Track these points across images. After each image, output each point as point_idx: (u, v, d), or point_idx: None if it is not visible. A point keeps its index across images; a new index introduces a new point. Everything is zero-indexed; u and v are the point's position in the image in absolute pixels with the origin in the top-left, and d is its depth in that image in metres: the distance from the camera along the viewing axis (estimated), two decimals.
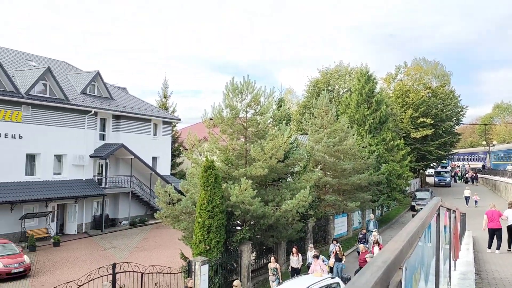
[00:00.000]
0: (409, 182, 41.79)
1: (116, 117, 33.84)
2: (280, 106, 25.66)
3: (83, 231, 30.31)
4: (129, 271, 14.05)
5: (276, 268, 16.46)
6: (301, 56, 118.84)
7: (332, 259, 18.16)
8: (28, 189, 26.46)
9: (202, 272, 15.37)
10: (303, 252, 20.43)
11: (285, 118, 22.42)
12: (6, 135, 25.83)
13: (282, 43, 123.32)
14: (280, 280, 16.04)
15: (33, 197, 26.33)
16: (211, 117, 19.14)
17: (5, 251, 20.13)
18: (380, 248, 17.94)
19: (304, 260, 19.17)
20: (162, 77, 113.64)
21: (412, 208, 37.88)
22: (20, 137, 26.64)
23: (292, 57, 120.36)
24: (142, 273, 14.40)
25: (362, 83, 38.77)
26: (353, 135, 27.84)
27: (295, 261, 17.95)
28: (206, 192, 16.30)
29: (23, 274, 19.61)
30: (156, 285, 14.87)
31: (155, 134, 37.81)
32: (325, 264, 16.66)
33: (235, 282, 13.66)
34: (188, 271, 15.55)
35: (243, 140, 19.29)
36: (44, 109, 28.10)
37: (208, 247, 16.17)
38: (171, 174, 41.12)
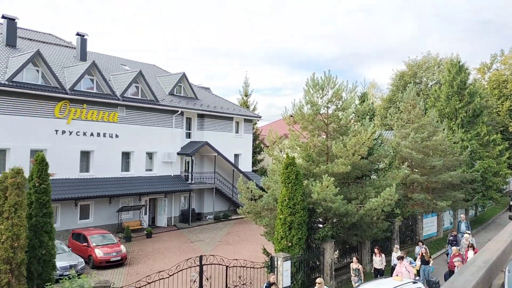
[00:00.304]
0: (507, 180, 38.30)
1: (201, 116, 35.29)
2: (363, 101, 24.88)
3: (172, 224, 32.10)
4: (215, 264, 14.57)
5: (358, 269, 16.01)
6: (385, 48, 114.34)
7: (418, 262, 17.24)
8: (124, 184, 28.64)
9: (284, 268, 15.47)
10: (388, 252, 19.66)
11: (368, 113, 21.72)
12: (104, 135, 28.18)
13: (363, 36, 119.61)
14: (362, 281, 15.59)
15: (128, 192, 28.45)
16: (291, 114, 19.14)
17: (105, 241, 21.98)
18: (475, 253, 16.65)
19: (389, 261, 18.44)
20: (243, 76, 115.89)
21: (510, 208, 34.65)
22: (117, 136, 28.89)
23: (375, 49, 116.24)
24: (227, 266, 14.86)
25: (453, 74, 36.26)
26: (443, 129, 26.16)
27: (378, 261, 17.32)
28: (287, 188, 16.35)
29: (120, 263, 21.24)
30: (240, 278, 15.26)
31: (237, 131, 38.79)
32: (412, 266, 15.86)
33: (318, 280, 13.53)
34: (271, 267, 15.74)
35: (324, 136, 19.02)
36: (136, 110, 30.19)
37: (290, 244, 16.22)
38: (253, 171, 41.90)
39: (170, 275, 13.43)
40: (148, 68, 38.09)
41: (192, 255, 19.94)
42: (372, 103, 37.13)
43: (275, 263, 15.58)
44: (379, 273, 17.09)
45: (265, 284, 13.72)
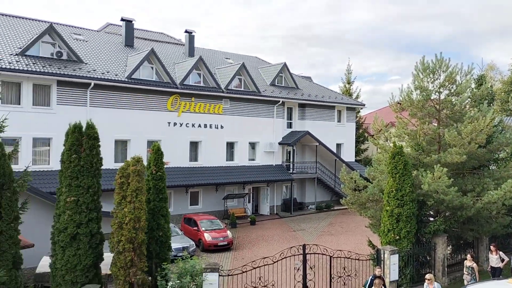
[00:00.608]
0: None
1: (302, 106, 35.26)
2: (481, 85, 22.58)
3: (275, 212, 32.75)
4: (318, 253, 14.52)
5: (472, 267, 14.68)
6: (506, 25, 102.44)
7: None
8: (229, 173, 29.93)
9: (392, 261, 14.87)
10: (510, 250, 17.77)
11: (486, 98, 19.67)
12: (210, 126, 29.67)
13: (479, 12, 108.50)
14: (477, 280, 14.29)
15: (233, 180, 29.67)
16: (398, 100, 18.18)
17: (213, 226, 23.22)
18: None
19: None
20: (346, 63, 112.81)
21: None
22: (222, 127, 30.23)
23: (494, 27, 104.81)
24: (330, 257, 14.72)
25: None
26: None
27: (495, 260, 15.71)
28: (394, 179, 15.63)
29: (226, 247, 22.30)
30: (344, 269, 15.02)
31: (339, 120, 38.05)
32: None
33: (428, 276, 12.74)
34: (377, 259, 15.24)
35: (436, 124, 17.74)
36: (239, 101, 31.21)
37: (397, 237, 15.54)
38: (356, 160, 40.83)
39: (274, 262, 13.71)
40: (250, 60, 39.06)
41: (295, 244, 20.15)
42: (491, 86, 33.63)
43: (382, 256, 15.05)
44: (496, 272, 15.53)
45: (371, 277, 13.32)
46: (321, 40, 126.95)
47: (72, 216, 11.98)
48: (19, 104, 22.26)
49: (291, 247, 14.74)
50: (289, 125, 35.08)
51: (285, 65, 35.54)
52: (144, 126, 26.33)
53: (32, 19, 28.52)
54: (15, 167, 12.24)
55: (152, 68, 27.31)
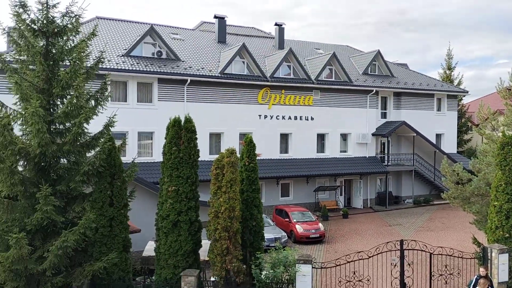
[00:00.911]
0: None
1: (397, 94, 33.63)
2: None
3: (368, 206, 31.80)
4: (417, 250, 13.80)
5: None
6: None
7: None
8: (319, 165, 29.68)
9: (501, 261, 13.60)
10: None
11: None
12: (301, 118, 29.63)
13: None
14: None
15: (324, 172, 29.37)
16: (508, 86, 16.49)
17: (304, 218, 23.25)
18: None
19: None
20: (446, 48, 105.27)
21: None
22: (312, 118, 30.03)
23: None
24: (430, 253, 13.90)
25: None
26: None
27: None
28: (503, 172, 14.22)
29: (318, 240, 22.18)
30: (446, 267, 14.10)
31: (438, 109, 35.64)
32: None
33: None
34: (483, 258, 14.06)
35: None
36: (330, 92, 30.70)
37: (507, 235, 14.15)
38: (458, 152, 37.96)
39: (370, 257, 13.33)
40: (341, 49, 38.13)
41: (391, 239, 19.38)
42: None
43: (488, 254, 13.84)
44: None
45: (475, 276, 12.34)
46: (417, 25, 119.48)
47: (173, 205, 12.80)
48: (126, 101, 24.27)
49: (387, 242, 14.19)
50: (383, 115, 33.71)
51: (378, 52, 34.13)
52: (236, 119, 27.13)
53: (134, 22, 30.82)
54: (123, 159, 13.38)
55: (243, 62, 27.99)
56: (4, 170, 10.93)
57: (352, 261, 13.00)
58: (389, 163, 32.18)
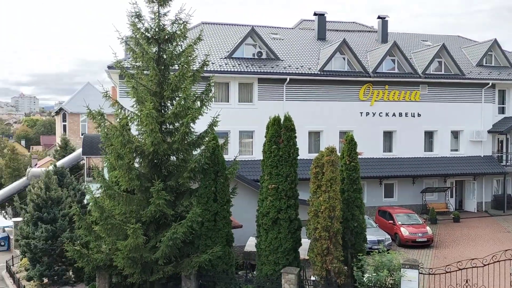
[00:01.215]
0: None
1: None
2: None
3: (483, 209, 29.08)
4: None
5: None
6: None
7: None
8: (427, 165, 27.81)
9: None
10: None
11: None
12: (406, 114, 28.06)
13: None
14: None
15: (432, 173, 27.47)
16: None
17: (410, 221, 21.97)
18: None
19: None
20: None
21: None
22: (419, 115, 28.26)
23: None
24: None
25: None
26: None
27: None
28: None
29: (426, 244, 20.80)
30: None
31: None
32: None
33: None
34: None
35: None
36: (439, 86, 28.60)
37: None
38: None
39: (485, 265, 12.16)
40: (452, 40, 35.28)
41: (510, 246, 17.50)
42: None
43: None
44: None
45: None
46: None
47: (273, 202, 13.00)
48: (228, 101, 25.27)
49: (506, 250, 12.81)
50: (501, 110, 30.47)
51: (495, 41, 30.91)
52: (336, 117, 26.61)
53: (236, 24, 31.90)
54: (225, 157, 13.96)
55: (343, 58, 27.35)
56: (123, 166, 12.10)
57: (464, 268, 11.99)
58: (508, 163, 29.09)
